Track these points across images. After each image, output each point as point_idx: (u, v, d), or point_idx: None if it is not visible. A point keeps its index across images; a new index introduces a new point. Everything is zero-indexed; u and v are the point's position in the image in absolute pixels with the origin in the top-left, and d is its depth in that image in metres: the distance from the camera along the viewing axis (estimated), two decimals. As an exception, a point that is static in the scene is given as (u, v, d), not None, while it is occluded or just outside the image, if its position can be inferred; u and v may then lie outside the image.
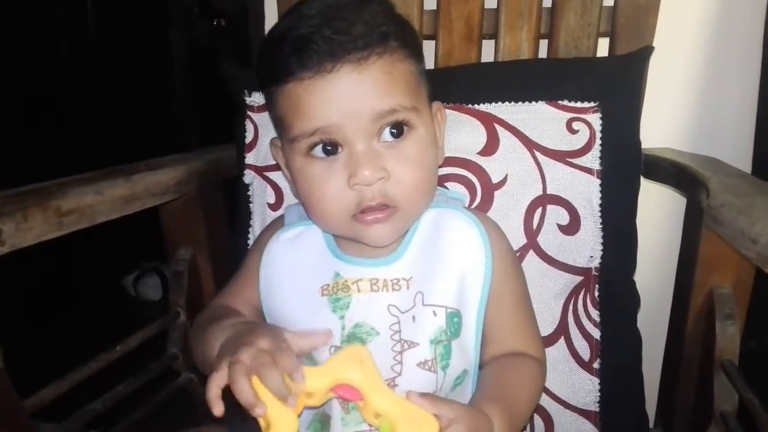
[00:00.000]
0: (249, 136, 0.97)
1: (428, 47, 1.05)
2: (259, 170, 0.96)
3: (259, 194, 0.97)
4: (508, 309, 0.73)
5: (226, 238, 1.05)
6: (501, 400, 0.66)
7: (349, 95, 0.63)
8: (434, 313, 0.69)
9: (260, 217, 0.97)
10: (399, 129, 0.66)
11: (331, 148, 0.66)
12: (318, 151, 0.66)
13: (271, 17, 1.16)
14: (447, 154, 0.88)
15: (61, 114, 2.32)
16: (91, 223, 0.79)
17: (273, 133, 0.79)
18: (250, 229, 0.98)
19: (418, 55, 0.70)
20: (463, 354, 0.70)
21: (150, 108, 2.35)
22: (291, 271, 0.74)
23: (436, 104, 0.75)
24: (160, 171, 0.92)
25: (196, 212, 1.00)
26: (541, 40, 1.03)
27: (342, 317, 0.69)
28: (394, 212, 0.67)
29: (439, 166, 0.87)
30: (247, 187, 0.98)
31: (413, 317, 0.68)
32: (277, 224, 0.81)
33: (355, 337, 0.68)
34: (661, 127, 1.07)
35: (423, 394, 0.58)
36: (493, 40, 1.03)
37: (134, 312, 2.33)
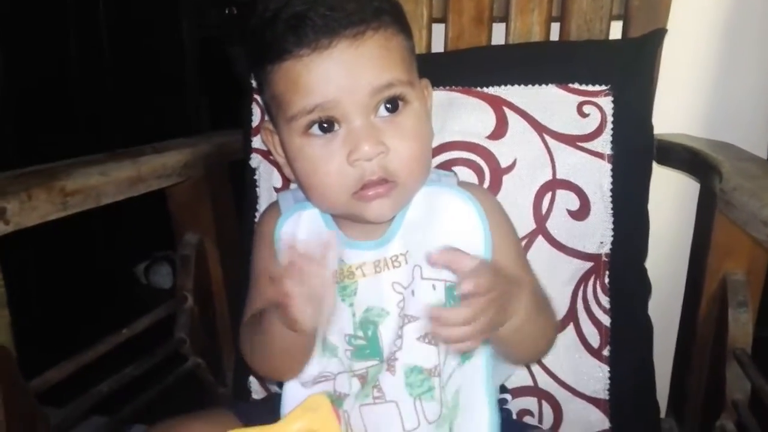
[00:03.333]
0: (256, 120, 0.96)
1: (438, 30, 1.04)
2: (266, 154, 0.95)
3: (266, 178, 0.96)
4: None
5: (234, 223, 1.05)
6: (532, 291, 0.66)
7: (347, 70, 0.63)
8: (433, 287, 0.68)
9: (267, 201, 0.96)
10: (394, 104, 0.65)
11: (329, 125, 0.65)
12: (316, 129, 0.65)
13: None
14: (455, 138, 0.87)
15: (70, 101, 2.33)
16: (96, 204, 0.79)
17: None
18: (256, 213, 0.97)
19: (408, 32, 0.70)
20: None
21: (160, 95, 2.35)
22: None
23: (424, 81, 0.74)
24: (166, 154, 0.92)
25: (203, 196, 1.00)
26: (552, 23, 1.01)
27: (351, 305, 0.69)
28: (394, 186, 0.66)
29: (447, 150, 0.87)
30: (253, 170, 0.97)
31: (413, 291, 0.68)
32: (273, 213, 0.78)
33: (367, 322, 0.69)
34: (675, 113, 1.05)
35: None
36: (504, 23, 1.02)
37: (146, 299, 2.34)
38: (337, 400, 0.69)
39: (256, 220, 0.97)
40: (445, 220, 0.71)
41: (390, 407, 0.67)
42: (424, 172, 0.70)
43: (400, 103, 0.66)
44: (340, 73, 0.63)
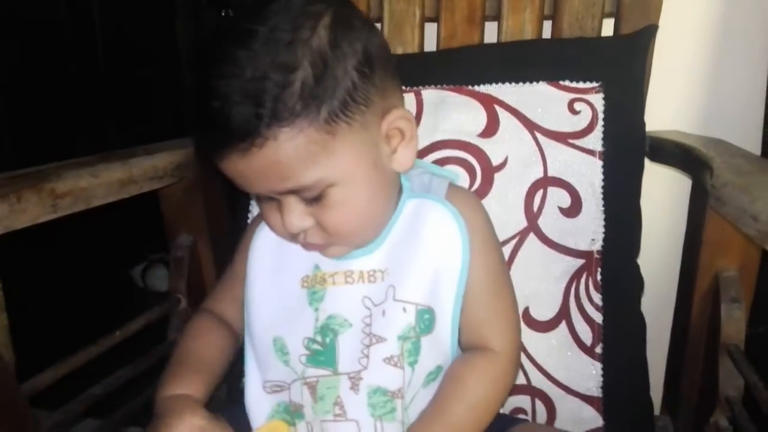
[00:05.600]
0: None
1: (430, 29, 1.04)
2: (259, 155, 0.95)
3: (259, 179, 0.96)
4: (485, 297, 0.71)
5: (227, 224, 1.05)
6: (428, 422, 0.65)
7: (244, 179, 0.63)
8: (404, 310, 0.67)
9: (259, 202, 0.96)
10: (308, 199, 0.64)
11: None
12: None
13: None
14: (446, 137, 0.87)
15: (65, 102, 2.33)
16: (86, 206, 0.79)
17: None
18: (249, 215, 0.97)
19: (331, 99, 0.60)
20: (436, 350, 0.68)
21: (155, 96, 2.35)
22: (274, 260, 0.74)
23: (396, 114, 0.67)
24: (157, 155, 0.91)
25: (195, 197, 1.00)
26: (545, 22, 1.01)
27: (316, 309, 0.70)
28: (334, 243, 0.68)
29: (439, 149, 0.87)
30: (246, 172, 0.97)
31: (383, 311, 0.68)
32: (258, 219, 0.79)
33: (328, 329, 0.68)
34: (668, 110, 1.05)
35: None
36: (496, 22, 1.02)
37: (142, 302, 2.34)
38: (295, 412, 0.69)
39: (249, 221, 0.97)
40: (427, 239, 0.69)
41: (351, 426, 0.67)
42: (367, 228, 0.69)
43: (318, 196, 0.64)
44: (241, 180, 0.63)
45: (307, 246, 0.69)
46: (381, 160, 0.67)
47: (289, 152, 0.59)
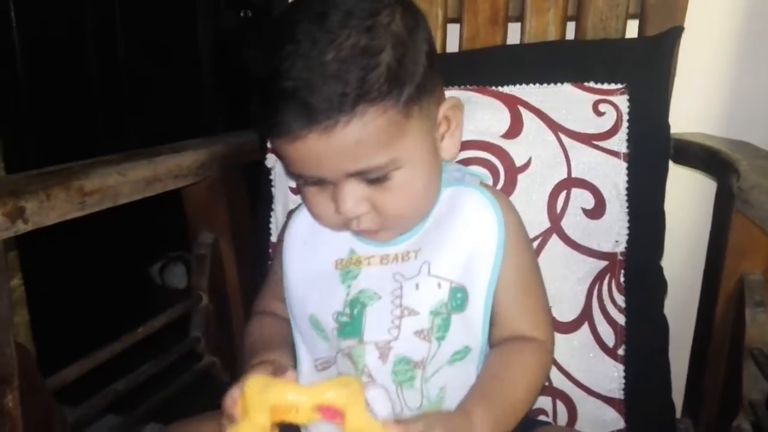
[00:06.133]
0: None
1: (453, 31, 1.05)
2: (282, 154, 0.96)
3: (281, 178, 0.96)
4: (517, 292, 0.72)
5: (249, 222, 1.05)
6: (487, 397, 0.67)
7: (317, 160, 0.63)
8: (438, 285, 0.69)
9: (282, 201, 0.96)
10: (375, 180, 0.65)
11: (319, 181, 0.67)
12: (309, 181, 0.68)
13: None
14: (469, 138, 0.87)
15: (87, 102, 2.35)
16: (113, 204, 0.80)
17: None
18: (272, 213, 0.98)
19: (410, 83, 0.63)
20: (466, 330, 0.70)
21: (176, 97, 2.36)
22: (309, 244, 0.76)
23: (448, 103, 0.72)
24: (182, 154, 0.92)
25: (218, 196, 1.01)
26: (568, 23, 1.01)
27: (349, 286, 0.71)
28: (386, 228, 0.69)
29: (462, 150, 0.87)
30: (269, 171, 0.98)
31: (417, 284, 0.69)
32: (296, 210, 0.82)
33: (357, 302, 0.70)
34: (693, 112, 1.05)
35: (398, 424, 0.58)
36: (519, 23, 1.01)
37: (160, 300, 2.36)
38: None
39: (271, 220, 0.98)
40: (464, 221, 0.71)
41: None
42: (421, 212, 0.71)
43: (383, 177, 0.65)
44: (314, 160, 0.63)
45: (360, 233, 0.70)
46: (436, 146, 0.71)
47: (371, 132, 0.61)
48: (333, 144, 0.61)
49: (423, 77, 0.65)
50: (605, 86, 0.87)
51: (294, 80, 0.60)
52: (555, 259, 0.83)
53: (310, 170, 0.65)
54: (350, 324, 0.70)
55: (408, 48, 0.63)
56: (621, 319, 0.86)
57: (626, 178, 0.85)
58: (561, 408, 0.85)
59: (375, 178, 0.65)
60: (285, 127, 0.62)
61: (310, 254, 0.75)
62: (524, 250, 0.75)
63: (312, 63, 0.60)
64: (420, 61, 0.65)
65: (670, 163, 0.90)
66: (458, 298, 0.69)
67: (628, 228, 0.85)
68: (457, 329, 0.69)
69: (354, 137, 0.61)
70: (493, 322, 0.71)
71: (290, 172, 0.69)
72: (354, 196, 0.65)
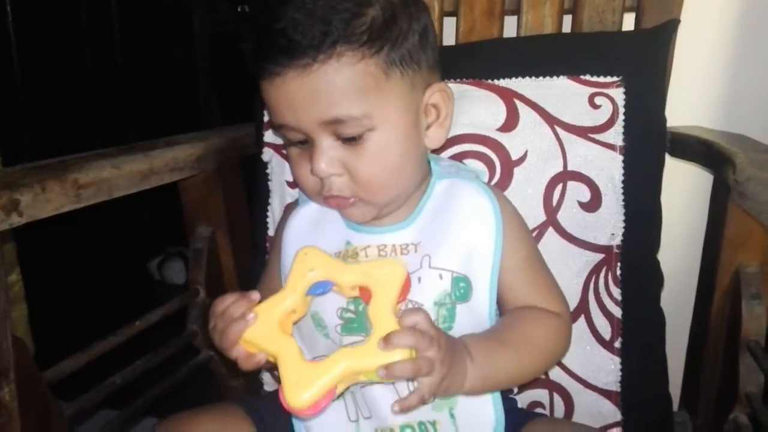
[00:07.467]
0: (267, 114, 0.97)
1: (449, 24, 1.04)
2: (278, 148, 0.96)
3: (278, 172, 0.96)
4: (525, 274, 0.73)
5: (246, 216, 1.05)
6: (488, 340, 0.68)
7: (295, 101, 0.65)
8: (440, 276, 0.69)
9: (279, 194, 0.96)
10: (350, 138, 0.66)
11: (303, 140, 0.68)
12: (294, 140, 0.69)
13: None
14: (465, 131, 0.87)
15: (83, 96, 2.34)
16: (108, 197, 0.80)
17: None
18: (269, 207, 0.98)
19: (393, 45, 0.66)
20: (472, 319, 0.70)
21: (172, 90, 2.36)
22: (308, 239, 0.75)
23: (437, 87, 0.72)
24: (178, 147, 0.92)
25: (215, 190, 1.01)
26: (564, 16, 1.00)
27: None
28: (356, 201, 0.69)
29: (458, 143, 0.86)
30: (265, 164, 0.98)
31: (419, 278, 0.69)
32: (290, 208, 0.83)
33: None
34: (690, 106, 1.05)
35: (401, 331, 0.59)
36: (516, 16, 1.01)
37: (159, 295, 2.35)
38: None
39: (268, 213, 0.98)
40: (462, 212, 0.72)
41: (388, 387, 0.68)
42: (393, 188, 0.71)
43: (357, 137, 0.66)
44: (291, 102, 0.65)
45: (330, 200, 0.70)
46: (419, 127, 0.71)
47: (347, 75, 0.63)
48: (310, 84, 0.63)
49: (410, 49, 0.67)
50: (601, 79, 0.87)
51: (284, 21, 0.63)
52: (551, 252, 0.83)
53: (288, 118, 0.66)
54: (356, 320, 0.69)
55: (398, 14, 0.66)
56: (617, 312, 0.86)
57: (622, 171, 0.85)
58: (558, 401, 0.86)
59: (350, 138, 0.65)
60: (269, 65, 0.64)
61: None
62: (525, 236, 0.76)
63: (303, 8, 0.63)
64: (409, 33, 0.67)
65: (667, 156, 0.90)
66: (461, 288, 0.70)
67: (624, 221, 0.85)
68: (463, 319, 0.70)
69: (326, 79, 0.63)
70: (505, 307, 0.73)
71: (275, 127, 0.71)
72: (328, 155, 0.66)
